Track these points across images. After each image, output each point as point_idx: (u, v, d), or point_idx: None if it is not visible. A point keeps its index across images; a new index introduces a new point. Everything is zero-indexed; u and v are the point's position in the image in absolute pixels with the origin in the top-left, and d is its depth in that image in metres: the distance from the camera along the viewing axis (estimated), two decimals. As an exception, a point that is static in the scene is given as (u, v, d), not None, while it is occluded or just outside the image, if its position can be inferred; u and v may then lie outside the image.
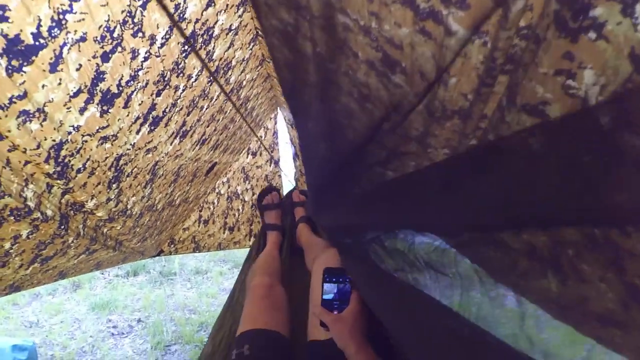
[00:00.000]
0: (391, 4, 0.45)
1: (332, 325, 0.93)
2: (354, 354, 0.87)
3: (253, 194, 2.47)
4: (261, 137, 2.25)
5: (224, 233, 2.44)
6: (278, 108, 2.01)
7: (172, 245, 2.32)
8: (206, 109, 1.08)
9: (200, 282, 3.52)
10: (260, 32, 0.99)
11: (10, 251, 0.86)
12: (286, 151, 2.42)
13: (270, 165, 2.42)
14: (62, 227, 0.95)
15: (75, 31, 0.55)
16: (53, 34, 0.54)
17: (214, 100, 1.07)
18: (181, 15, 0.69)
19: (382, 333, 1.03)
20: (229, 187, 2.35)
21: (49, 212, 0.85)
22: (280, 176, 2.48)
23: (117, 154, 0.88)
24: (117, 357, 2.45)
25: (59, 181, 0.80)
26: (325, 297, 0.98)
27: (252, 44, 1.06)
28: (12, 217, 0.76)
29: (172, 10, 0.64)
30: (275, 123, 2.29)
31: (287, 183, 2.48)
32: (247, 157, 2.31)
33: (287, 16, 0.71)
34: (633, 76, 0.32)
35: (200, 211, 2.30)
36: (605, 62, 0.34)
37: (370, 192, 1.14)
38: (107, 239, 1.29)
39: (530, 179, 0.51)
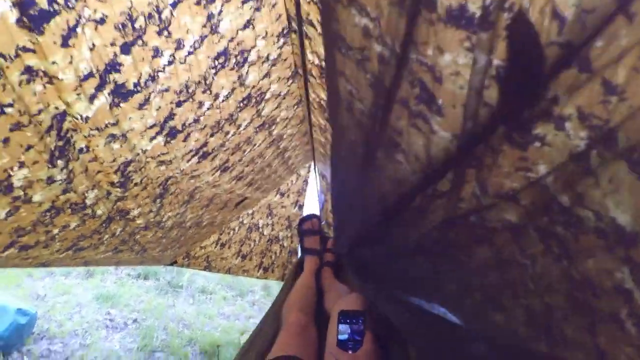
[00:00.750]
0: (391, 103, 0.59)
1: None
2: None
3: (272, 230, 2.59)
4: (292, 181, 2.40)
5: (236, 259, 2.55)
6: (312, 161, 2.16)
7: (186, 259, 2.44)
8: (248, 152, 1.24)
9: (203, 301, 3.60)
10: (299, 70, 1.10)
11: (56, 237, 1.01)
12: (311, 198, 2.55)
13: (294, 208, 2.55)
14: (104, 225, 1.10)
15: (163, 84, 0.72)
16: (147, 85, 0.70)
17: (256, 146, 1.23)
18: (242, 82, 0.85)
19: None
20: (252, 219, 2.48)
21: (99, 212, 1.00)
22: (301, 220, 2.60)
23: (168, 176, 1.03)
24: (104, 348, 2.54)
25: (118, 189, 0.95)
26: (340, 337, 1.04)
27: (290, 81, 1.16)
28: (69, 209, 0.90)
29: (235, 78, 0.81)
30: (308, 172, 2.45)
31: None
32: (275, 196, 2.45)
33: (322, 94, 0.86)
34: (575, 168, 0.43)
35: (220, 235, 2.44)
36: (552, 159, 0.45)
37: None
38: (136, 244, 1.43)
39: (518, 247, 0.61)
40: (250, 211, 2.44)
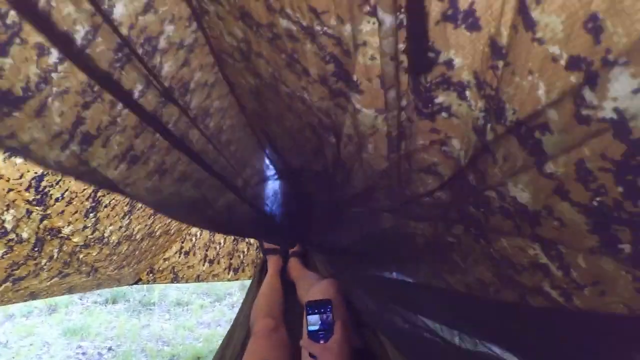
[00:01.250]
0: (313, 82, 0.56)
1: (320, 355, 0.99)
2: None
3: (236, 229, 2.53)
4: (247, 175, 2.34)
5: (203, 265, 2.48)
6: (264, 149, 2.11)
7: (150, 275, 2.35)
8: (186, 150, 1.18)
9: (180, 314, 3.49)
10: (223, 55, 1.04)
11: (-16, 270, 0.92)
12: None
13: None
14: (36, 249, 1.01)
15: (59, 85, 0.65)
16: (39, 88, 0.64)
17: (193, 143, 1.17)
18: (157, 73, 0.79)
19: (364, 350, 1.09)
20: (212, 221, 2.41)
21: (25, 235, 0.92)
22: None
23: (95, 187, 0.96)
24: (82, 385, 2.42)
25: (37, 207, 0.88)
26: (310, 328, 1.04)
27: (215, 67, 1.07)
28: (-11, 238, 0.83)
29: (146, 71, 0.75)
30: (262, 162, 2.39)
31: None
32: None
33: (250, 79, 0.81)
34: (476, 143, 0.42)
35: (182, 242, 2.35)
36: (462, 133, 0.43)
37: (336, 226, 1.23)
38: (82, 264, 1.34)
39: (445, 224, 0.60)
40: (208, 214, 2.37)
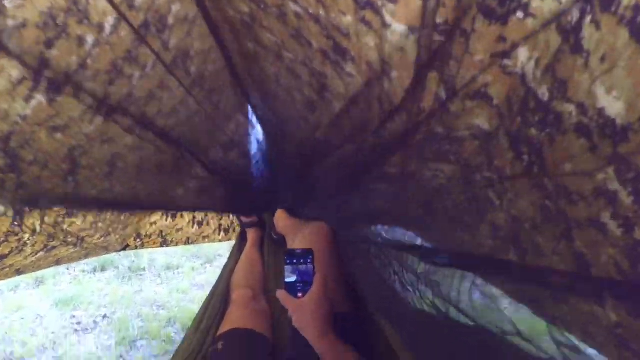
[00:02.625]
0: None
1: (292, 312, 0.91)
2: (314, 340, 0.86)
3: (223, 188, 2.44)
4: (232, 130, 2.22)
5: (192, 227, 2.41)
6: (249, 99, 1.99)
7: (138, 240, 2.27)
8: (166, 100, 1.06)
9: (171, 277, 3.47)
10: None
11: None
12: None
13: (243, 159, 2.40)
14: (16, 223, 0.92)
15: (14, 16, 0.53)
16: None
17: (173, 91, 1.05)
18: (130, 3, 0.67)
19: (352, 315, 1.05)
20: (198, 181, 2.31)
21: (1, 208, 0.82)
22: (250, 170, 2.46)
23: (71, 145, 0.85)
24: (80, 353, 2.40)
25: (11, 175, 0.77)
26: (287, 280, 0.96)
27: (211, 36, 1.03)
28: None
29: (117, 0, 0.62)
30: (247, 117, 2.27)
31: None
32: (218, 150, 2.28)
33: (243, 6, 0.70)
34: (562, 46, 0.34)
35: (169, 205, 2.26)
36: (536, 37, 0.36)
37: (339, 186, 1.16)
38: (68, 235, 1.25)
39: (486, 158, 0.54)
40: (193, 173, 2.26)
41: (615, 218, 0.40)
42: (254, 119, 2.18)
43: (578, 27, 0.32)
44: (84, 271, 3.37)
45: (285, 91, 0.97)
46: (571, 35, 0.33)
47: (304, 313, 0.89)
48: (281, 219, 1.66)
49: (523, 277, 0.61)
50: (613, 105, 0.33)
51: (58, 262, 1.60)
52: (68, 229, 1.21)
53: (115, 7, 0.66)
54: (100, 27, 0.67)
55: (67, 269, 3.35)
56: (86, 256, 1.80)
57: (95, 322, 2.73)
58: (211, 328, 1.17)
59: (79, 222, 1.22)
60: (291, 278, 0.96)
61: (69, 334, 2.58)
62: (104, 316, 2.79)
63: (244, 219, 1.80)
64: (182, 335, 2.82)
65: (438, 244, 0.92)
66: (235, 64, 1.08)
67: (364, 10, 0.45)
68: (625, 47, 0.30)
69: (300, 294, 0.92)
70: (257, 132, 2.19)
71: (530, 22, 0.35)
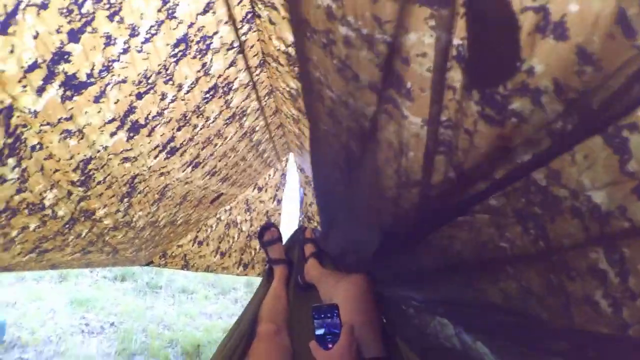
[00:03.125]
0: (362, 88, 0.57)
1: None
2: None
3: (251, 225, 2.55)
4: (269, 175, 2.36)
5: (215, 257, 2.50)
6: (290, 153, 2.13)
7: (162, 259, 2.38)
8: (219, 146, 1.20)
9: (184, 301, 3.53)
10: (267, 59, 1.09)
11: (15, 239, 0.95)
12: (290, 192, 2.52)
13: (272, 203, 2.51)
14: (67, 226, 1.04)
15: (119, 74, 0.67)
16: (101, 75, 0.66)
17: (227, 139, 1.19)
18: (206, 71, 0.81)
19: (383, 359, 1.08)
20: (229, 215, 2.43)
21: (61, 213, 0.95)
22: (280, 214, 2.57)
23: (134, 174, 0.98)
24: (80, 355, 2.46)
25: (80, 189, 0.90)
26: (317, 332, 1.03)
27: (258, 70, 1.14)
28: (26, 210, 0.85)
29: (198, 67, 0.76)
30: (285, 166, 2.41)
31: (285, 222, 2.57)
32: (252, 191, 2.41)
33: (292, 83, 0.83)
34: (553, 146, 0.43)
35: (198, 232, 2.38)
36: (530, 137, 0.45)
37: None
38: (106, 245, 1.37)
39: (496, 229, 0.61)
40: (227, 207, 2.39)
41: (605, 297, 0.45)
42: (294, 169, 2.31)
43: (563, 130, 0.40)
44: (105, 277, 3.51)
45: (323, 154, 1.08)
46: (558, 137, 0.41)
47: None
48: (313, 268, 1.72)
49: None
50: (596, 194, 0.41)
51: (88, 265, 1.72)
52: (109, 240, 1.33)
53: (193, 73, 0.81)
54: (179, 87, 0.81)
55: (90, 272, 3.50)
56: (114, 264, 1.92)
57: (102, 327, 2.81)
58: (233, 356, 1.22)
59: (119, 236, 1.34)
60: (320, 331, 1.03)
61: (76, 332, 2.67)
62: (112, 324, 2.87)
63: (273, 256, 1.87)
64: (180, 359, 2.84)
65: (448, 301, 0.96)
66: (280, 124, 1.22)
67: (386, 104, 0.55)
68: (600, 149, 0.38)
69: (330, 345, 1.00)
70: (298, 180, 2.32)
71: (523, 127, 0.44)
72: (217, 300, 3.69)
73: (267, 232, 1.96)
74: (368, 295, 1.22)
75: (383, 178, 0.77)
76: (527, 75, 0.40)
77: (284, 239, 2.08)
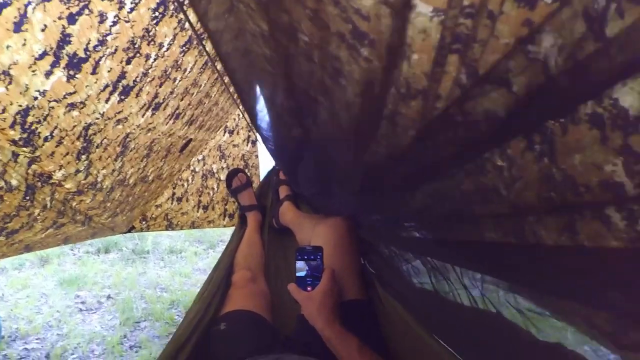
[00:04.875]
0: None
1: (302, 303, 0.98)
2: (321, 328, 0.91)
3: (229, 173, 2.46)
4: (239, 115, 2.22)
5: (197, 211, 2.42)
6: (257, 86, 1.98)
7: (144, 222, 2.29)
8: (179, 81, 1.07)
9: (174, 261, 3.50)
10: (234, 2, 0.96)
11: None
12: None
13: (247, 145, 2.40)
14: (28, 198, 0.93)
15: (112, 46, 0.54)
16: (96, 49, 0.54)
17: (187, 72, 1.05)
18: (182, 26, 0.68)
19: (361, 302, 1.08)
20: (204, 165, 2.32)
21: (14, 182, 0.83)
22: (257, 156, 2.47)
23: (86, 123, 0.86)
24: (85, 332, 2.43)
25: (25, 149, 0.78)
26: (298, 274, 1.03)
27: (226, 15, 1.04)
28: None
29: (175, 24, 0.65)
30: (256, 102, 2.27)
31: (264, 163, 2.48)
32: (224, 136, 2.29)
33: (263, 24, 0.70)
34: (586, 35, 0.35)
35: (174, 188, 2.28)
36: (562, 24, 0.36)
37: (349, 177, 1.16)
38: (76, 213, 1.26)
39: (497, 146, 0.54)
40: (200, 157, 2.27)
41: (619, 210, 0.41)
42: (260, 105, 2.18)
43: (603, 15, 0.32)
44: (88, 252, 3.40)
45: (299, 76, 0.97)
46: (595, 23, 0.33)
47: (313, 305, 0.94)
48: (288, 211, 1.66)
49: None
50: (626, 98, 0.34)
51: (66, 241, 1.62)
52: (77, 206, 1.22)
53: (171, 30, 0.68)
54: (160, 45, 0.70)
55: (72, 250, 3.38)
56: (93, 236, 1.82)
57: (99, 302, 2.76)
58: (211, 304, 1.20)
59: (87, 200, 1.23)
60: (302, 273, 1.03)
61: (74, 312, 2.61)
62: (108, 297, 2.83)
63: (244, 203, 1.81)
64: (185, 318, 2.86)
65: (437, 235, 0.93)
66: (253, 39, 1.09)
67: None
68: None
69: (309, 288, 0.99)
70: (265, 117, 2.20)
71: (556, 6, 0.35)
72: (208, 254, 3.68)
73: (235, 178, 1.88)
74: (347, 238, 1.20)
75: (379, 93, 0.68)
76: None
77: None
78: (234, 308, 1.17)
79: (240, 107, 2.20)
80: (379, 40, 0.55)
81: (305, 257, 1.04)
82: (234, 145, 2.36)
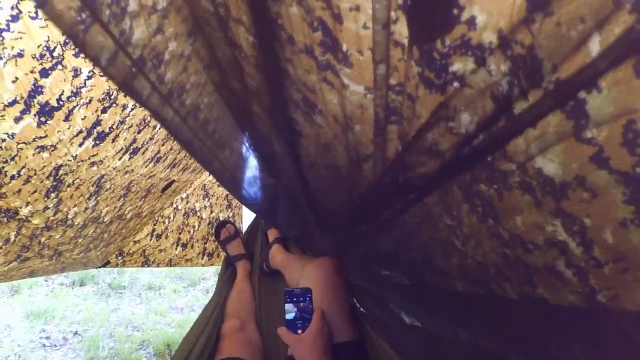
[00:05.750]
0: (299, 53, 0.49)
1: (293, 347, 0.96)
2: None
3: (211, 212, 2.45)
4: (225, 157, 2.25)
5: (176, 249, 2.39)
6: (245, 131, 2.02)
7: (120, 257, 2.25)
8: (159, 127, 1.09)
9: (151, 298, 3.39)
10: (199, 22, 0.98)
11: None
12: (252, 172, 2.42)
13: (232, 186, 2.42)
14: (-10, 232, 0.92)
15: (12, 47, 0.56)
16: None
17: (167, 120, 1.08)
18: (127, 40, 0.71)
19: (352, 344, 1.06)
20: (187, 203, 2.32)
21: (-24, 217, 0.83)
22: (241, 198, 2.48)
23: (56, 164, 0.87)
24: (45, 371, 2.32)
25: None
26: (287, 317, 1.02)
27: (191, 38, 1.06)
28: None
29: (117, 35, 0.66)
30: (242, 144, 2.30)
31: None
32: (209, 175, 2.30)
33: (227, 51, 0.74)
34: (495, 113, 0.37)
35: (155, 225, 2.26)
36: (474, 104, 0.39)
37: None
38: (44, 247, 1.24)
39: (444, 208, 0.56)
40: (184, 195, 2.27)
41: (569, 266, 0.42)
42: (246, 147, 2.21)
43: (509, 95, 0.35)
44: (62, 284, 3.30)
45: (267, 131, 1.01)
46: (502, 103, 0.36)
47: (304, 347, 0.93)
48: (278, 253, 1.66)
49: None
50: (549, 166, 0.36)
51: (32, 274, 1.58)
52: (46, 241, 1.21)
53: (115, 41, 0.70)
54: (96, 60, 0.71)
55: (46, 281, 3.28)
56: (62, 270, 1.78)
57: (65, 338, 2.65)
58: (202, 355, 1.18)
59: (57, 236, 1.22)
60: (291, 315, 1.01)
61: (36, 348, 2.50)
62: (75, 333, 2.71)
63: (232, 253, 1.81)
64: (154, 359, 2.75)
65: (413, 282, 0.94)
66: (227, 99, 1.12)
67: (324, 71, 0.48)
68: (553, 115, 0.33)
69: (300, 331, 0.97)
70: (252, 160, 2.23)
71: (467, 90, 0.38)
72: (187, 292, 3.59)
73: (223, 229, 1.88)
74: (336, 278, 1.19)
75: (334, 156, 0.71)
76: (468, 28, 0.34)
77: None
78: (223, 357, 1.16)
79: (226, 151, 2.23)
80: (326, 110, 0.58)
81: (294, 299, 1.03)
82: (219, 185, 2.37)
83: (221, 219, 2.53)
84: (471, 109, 0.40)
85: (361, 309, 1.29)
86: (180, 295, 3.55)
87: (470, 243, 0.57)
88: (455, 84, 0.38)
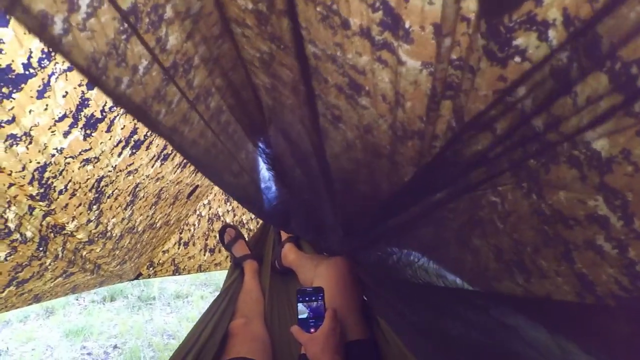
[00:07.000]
0: (352, 36, 0.51)
1: (305, 345, 0.98)
2: None
3: (234, 215, 2.48)
4: (242, 158, 2.28)
5: (204, 255, 2.43)
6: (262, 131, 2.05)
7: (151, 268, 2.30)
8: (187, 133, 1.12)
9: (181, 306, 3.45)
10: (229, 24, 0.99)
11: (-14, 273, 0.87)
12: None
13: (251, 187, 2.45)
14: (41, 249, 0.96)
15: (64, 62, 0.59)
16: (42, 65, 0.57)
17: (194, 124, 1.11)
18: (162, 47, 0.73)
19: (364, 342, 1.07)
20: (210, 209, 2.36)
21: (29, 234, 0.87)
22: (261, 198, 2.51)
23: (99, 176, 0.90)
24: (92, 385, 2.37)
25: (41, 203, 0.82)
26: (300, 317, 1.03)
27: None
28: (-9, 239, 0.77)
29: (152, 44, 0.68)
30: (256, 146, 2.33)
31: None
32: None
33: (264, 46, 0.76)
34: (554, 87, 0.39)
35: (181, 233, 2.30)
36: (532, 78, 0.40)
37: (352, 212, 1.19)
38: (86, 262, 1.28)
39: (490, 184, 0.57)
40: (206, 201, 2.31)
41: (609, 240, 0.43)
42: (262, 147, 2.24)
43: (567, 69, 0.36)
44: (93, 301, 3.37)
45: (294, 125, 1.03)
46: (562, 77, 0.37)
47: (316, 346, 0.95)
48: (290, 252, 1.68)
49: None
50: (597, 141, 0.37)
51: (74, 289, 1.63)
52: (87, 255, 1.24)
53: (149, 50, 0.73)
54: (134, 69, 0.73)
55: (77, 299, 3.35)
56: (101, 284, 1.83)
57: (106, 352, 2.72)
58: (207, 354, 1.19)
59: (97, 249, 1.26)
60: (303, 315, 1.03)
61: (80, 364, 2.57)
62: (115, 346, 2.78)
63: (237, 254, 1.84)
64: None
65: (445, 267, 0.95)
66: (248, 100, 1.14)
67: (380, 50, 0.50)
68: (605, 89, 0.35)
69: (312, 329, 0.99)
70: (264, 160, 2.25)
71: (526, 65, 0.40)
72: (214, 297, 3.63)
73: (226, 233, 1.91)
74: (349, 277, 1.21)
75: (376, 136, 0.72)
76: (535, 4, 0.36)
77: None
78: (231, 357, 1.16)
79: (242, 153, 2.26)
80: (374, 90, 0.60)
81: (307, 298, 1.05)
82: (239, 188, 2.40)
83: (243, 221, 2.56)
84: (528, 82, 0.41)
85: (374, 308, 1.30)
86: (207, 301, 3.60)
87: (509, 220, 0.58)
88: (517, 58, 0.40)
